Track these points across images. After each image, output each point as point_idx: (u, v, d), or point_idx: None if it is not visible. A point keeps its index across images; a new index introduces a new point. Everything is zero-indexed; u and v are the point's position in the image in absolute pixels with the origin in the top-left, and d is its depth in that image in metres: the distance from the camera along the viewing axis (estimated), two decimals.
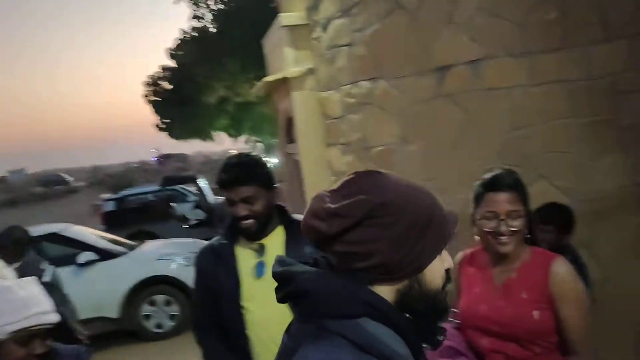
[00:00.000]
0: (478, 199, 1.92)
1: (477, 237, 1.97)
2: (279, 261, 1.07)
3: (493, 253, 1.94)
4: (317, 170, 4.52)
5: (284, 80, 4.60)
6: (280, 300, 1.04)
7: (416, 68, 3.74)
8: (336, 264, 1.00)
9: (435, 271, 1.02)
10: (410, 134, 3.82)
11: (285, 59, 4.58)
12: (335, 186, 1.03)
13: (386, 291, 0.99)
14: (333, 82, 4.30)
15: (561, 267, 1.89)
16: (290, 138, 5.24)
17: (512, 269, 1.94)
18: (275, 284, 1.96)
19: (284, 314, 2.01)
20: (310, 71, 4.55)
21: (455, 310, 2.04)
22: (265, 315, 2.07)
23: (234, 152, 2.25)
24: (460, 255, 2.11)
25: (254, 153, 2.20)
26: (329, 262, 1.02)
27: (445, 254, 1.03)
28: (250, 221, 2.09)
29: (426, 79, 3.72)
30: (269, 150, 23.03)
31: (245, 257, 2.16)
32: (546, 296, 1.86)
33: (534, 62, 3.50)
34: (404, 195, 0.99)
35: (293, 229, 2.14)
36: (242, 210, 2.07)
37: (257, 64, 10.35)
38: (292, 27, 4.57)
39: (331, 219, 0.97)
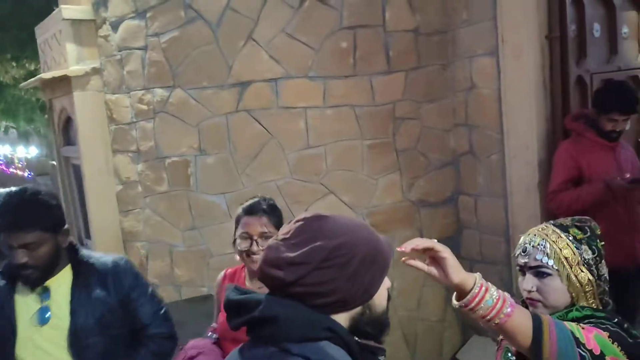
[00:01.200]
0: (237, 222, 2.11)
1: (237, 257, 2.14)
2: (236, 289, 1.14)
3: (248, 270, 2.14)
4: (101, 177, 4.21)
5: (64, 78, 4.17)
6: (236, 326, 1.11)
7: (216, 80, 3.72)
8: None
9: (382, 294, 1.15)
10: (208, 146, 3.79)
11: (66, 54, 4.16)
12: (286, 234, 1.12)
13: (341, 319, 1.11)
14: (123, 85, 4.05)
15: None
16: (67, 140, 4.77)
17: None
18: (59, 331, 1.89)
19: None
20: (95, 71, 4.21)
21: (214, 325, 2.18)
22: None
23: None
24: (221, 273, 2.28)
25: (37, 189, 1.93)
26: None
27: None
28: (29, 271, 1.88)
29: (226, 92, 3.73)
30: (25, 137, 20.51)
31: (25, 300, 1.95)
32: None
33: (327, 85, 3.76)
34: (353, 235, 1.11)
35: (82, 270, 2.01)
36: (22, 257, 1.84)
37: (16, 44, 9.15)
38: (75, 21, 4.16)
39: (289, 267, 1.07)
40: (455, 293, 1.35)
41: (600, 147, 3.05)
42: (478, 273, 1.34)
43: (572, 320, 1.49)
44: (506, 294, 1.35)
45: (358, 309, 1.12)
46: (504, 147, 3.63)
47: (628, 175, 2.95)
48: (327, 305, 1.08)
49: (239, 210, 2.14)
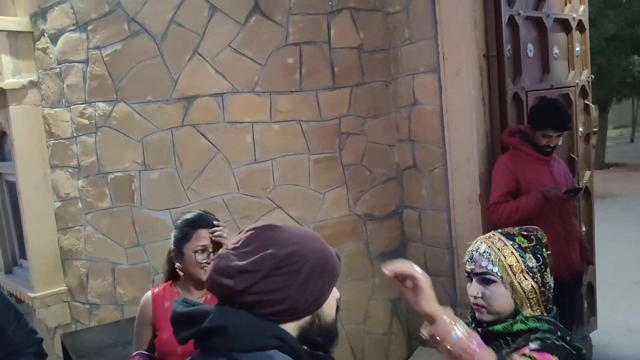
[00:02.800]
0: (185, 236, 2.14)
1: (179, 270, 2.18)
2: (184, 302, 1.13)
3: (195, 283, 2.16)
4: (39, 193, 4.04)
5: None
6: (184, 339, 1.09)
7: (161, 95, 3.67)
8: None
9: (331, 304, 1.16)
10: (152, 161, 3.72)
11: (1, 67, 4.00)
12: (236, 243, 1.13)
13: (290, 328, 1.11)
14: (62, 99, 3.92)
15: None
16: (1, 155, 4.57)
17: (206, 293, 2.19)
18: None
19: None
20: (33, 84, 4.06)
21: (142, 351, 2.16)
22: None
23: None
24: (148, 294, 2.27)
25: None
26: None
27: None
28: None
29: (171, 107, 3.68)
30: None
31: None
32: None
33: (274, 100, 3.78)
34: (304, 244, 1.12)
35: None
36: None
37: None
38: (11, 33, 4.02)
39: (240, 275, 1.07)
40: (424, 323, 1.42)
41: (536, 161, 3.20)
42: (449, 307, 1.40)
43: (518, 332, 1.55)
44: (475, 334, 1.39)
45: (307, 318, 1.12)
46: (446, 161, 3.75)
47: (563, 188, 3.10)
48: (276, 314, 1.09)
49: (183, 223, 2.18)
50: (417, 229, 4.04)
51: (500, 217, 3.14)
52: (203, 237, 2.11)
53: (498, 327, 1.58)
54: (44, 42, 4.02)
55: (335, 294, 1.19)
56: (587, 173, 4.30)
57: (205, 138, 3.72)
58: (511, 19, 3.62)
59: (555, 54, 4.01)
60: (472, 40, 3.54)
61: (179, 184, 3.73)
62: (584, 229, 4.13)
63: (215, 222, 2.17)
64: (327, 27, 3.88)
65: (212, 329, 1.06)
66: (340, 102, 3.95)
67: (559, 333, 1.54)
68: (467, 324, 1.61)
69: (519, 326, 1.55)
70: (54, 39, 3.94)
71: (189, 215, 2.21)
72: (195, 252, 2.11)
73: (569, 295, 3.21)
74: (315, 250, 1.13)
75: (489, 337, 1.55)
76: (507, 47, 3.62)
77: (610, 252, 6.66)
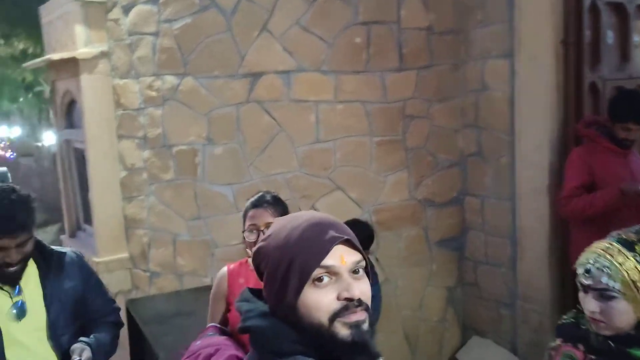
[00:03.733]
0: (245, 216, 2.16)
1: (248, 250, 2.17)
2: (248, 290, 1.12)
3: None
4: (106, 162, 4.13)
5: (71, 60, 4.10)
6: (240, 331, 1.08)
7: (228, 70, 3.69)
8: None
9: (311, 305, 0.99)
10: (216, 136, 3.75)
11: (74, 36, 4.09)
12: None
13: None
14: (132, 70, 3.99)
15: None
16: (70, 123, 4.70)
17: None
18: (36, 324, 2.00)
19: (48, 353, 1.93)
20: (104, 54, 4.14)
21: (214, 324, 2.18)
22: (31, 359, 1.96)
23: None
24: (224, 269, 2.29)
25: (14, 187, 1.98)
26: None
27: (344, 282, 1.00)
28: (16, 268, 1.94)
29: (237, 83, 3.70)
30: (6, 116, 20.24)
31: None
32: None
33: (339, 80, 3.74)
34: (273, 240, 1.05)
35: (48, 262, 2.06)
36: (16, 256, 1.91)
37: (7, 22, 8.96)
38: (85, 3, 4.09)
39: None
40: None
41: (613, 154, 3.06)
42: None
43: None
44: None
45: (290, 318, 1.02)
46: (514, 149, 3.63)
47: None
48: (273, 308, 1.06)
49: (247, 204, 2.19)
50: (479, 217, 3.95)
51: (573, 211, 3.02)
52: (253, 216, 2.11)
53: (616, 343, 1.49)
54: (116, 13, 4.08)
55: (344, 292, 0.99)
56: None
57: (270, 115, 3.72)
58: (593, 4, 3.45)
59: (636, 41, 3.81)
60: (550, 25, 3.39)
61: (241, 160, 3.75)
62: None
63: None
64: (397, 6, 3.80)
65: (243, 329, 1.05)
66: (406, 84, 3.87)
67: None
68: (587, 332, 1.55)
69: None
70: (126, 11, 3.99)
71: (253, 197, 2.21)
72: (246, 231, 2.13)
73: None
74: (281, 248, 1.03)
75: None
76: (586, 34, 3.45)
77: None
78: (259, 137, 3.74)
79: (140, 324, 3.05)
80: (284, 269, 1.00)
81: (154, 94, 3.88)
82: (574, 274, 3.49)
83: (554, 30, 3.40)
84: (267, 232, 1.09)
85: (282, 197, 2.27)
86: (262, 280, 1.07)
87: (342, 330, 0.98)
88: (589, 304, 1.50)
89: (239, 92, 3.71)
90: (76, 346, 1.96)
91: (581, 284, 1.53)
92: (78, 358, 1.90)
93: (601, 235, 2.99)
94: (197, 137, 3.79)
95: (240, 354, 2.00)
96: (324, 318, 0.98)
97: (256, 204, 2.13)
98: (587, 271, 1.51)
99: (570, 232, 3.21)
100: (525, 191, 3.59)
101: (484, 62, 3.80)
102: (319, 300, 0.99)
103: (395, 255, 3.94)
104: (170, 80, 3.81)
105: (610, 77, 3.58)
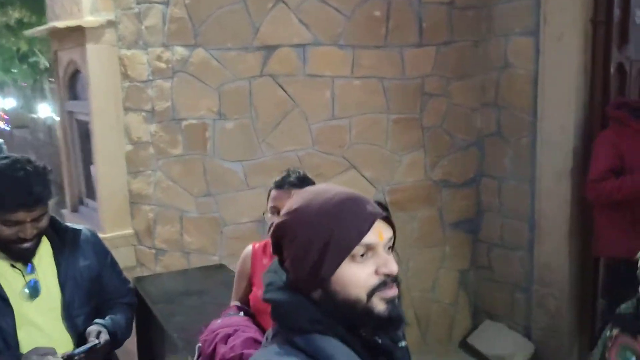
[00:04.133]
0: (268, 195, 2.05)
1: None
2: (271, 264, 1.08)
3: None
4: (111, 135, 3.99)
5: (76, 29, 3.94)
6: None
7: (241, 42, 3.54)
8: None
9: (349, 280, 0.97)
10: (228, 110, 3.62)
11: (80, 4, 3.92)
12: None
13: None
14: (140, 41, 3.83)
15: None
16: (73, 94, 4.55)
17: None
18: (51, 303, 1.91)
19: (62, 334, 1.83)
20: (110, 23, 3.98)
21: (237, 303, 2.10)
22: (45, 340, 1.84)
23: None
24: (249, 248, 2.19)
25: (29, 158, 1.86)
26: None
27: (380, 258, 0.99)
28: (30, 244, 1.83)
29: (251, 56, 3.56)
30: (1, 88, 19.94)
31: (5, 277, 1.85)
32: None
33: (357, 54, 3.61)
34: (302, 214, 1.00)
35: (62, 240, 1.96)
36: (31, 231, 1.80)
37: None
38: None
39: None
40: None
41: None
42: None
43: None
44: None
45: (319, 295, 0.99)
46: (536, 130, 3.53)
47: None
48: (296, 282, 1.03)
49: (272, 183, 2.09)
50: (496, 200, 3.85)
51: (601, 195, 2.93)
52: (275, 197, 2.00)
53: None
54: None
55: (382, 267, 0.98)
56: None
57: (284, 90, 3.59)
58: None
59: None
60: (578, 2, 3.26)
61: (253, 136, 3.63)
62: None
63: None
64: None
65: (265, 301, 1.04)
66: (425, 60, 3.74)
67: None
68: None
69: None
70: None
71: (278, 176, 2.09)
72: (270, 212, 2.01)
73: None
74: (314, 224, 0.99)
75: None
76: (616, 12, 3.33)
77: None
78: (271, 112, 3.61)
79: (149, 303, 2.95)
80: (321, 243, 0.97)
81: (163, 65, 3.74)
82: (597, 260, 3.40)
83: (583, 7, 3.28)
84: (290, 205, 1.04)
85: None
86: (277, 254, 1.05)
87: (379, 306, 0.97)
88: None
89: (252, 65, 3.57)
90: (92, 328, 1.86)
91: None
92: (96, 341, 1.80)
93: (628, 220, 2.92)
94: (208, 111, 3.66)
95: (259, 336, 1.93)
96: (362, 293, 0.97)
97: (280, 185, 2.02)
98: None
99: (594, 218, 3.12)
100: (546, 174, 3.49)
101: (506, 40, 3.67)
102: (358, 275, 0.97)
103: (408, 236, 3.85)
104: (181, 51, 3.66)
105: (638, 58, 3.46)
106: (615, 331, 1.54)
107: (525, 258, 3.68)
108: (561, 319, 3.48)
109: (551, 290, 3.51)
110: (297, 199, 1.05)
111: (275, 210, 1.97)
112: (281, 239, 1.03)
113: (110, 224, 4.09)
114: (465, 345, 3.96)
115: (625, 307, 1.60)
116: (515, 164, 3.70)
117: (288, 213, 1.03)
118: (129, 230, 4.12)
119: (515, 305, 3.80)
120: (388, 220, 1.04)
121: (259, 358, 1.01)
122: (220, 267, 3.51)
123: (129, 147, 4.06)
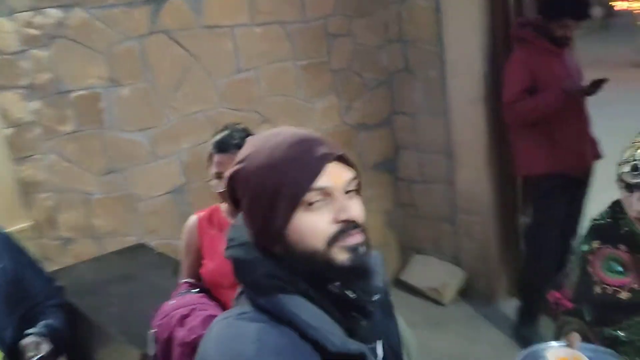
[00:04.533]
0: (209, 159, 1.87)
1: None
2: (236, 219, 1.00)
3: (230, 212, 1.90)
4: None
5: None
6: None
7: None
8: None
9: (304, 231, 0.89)
10: (121, 76, 3.27)
11: None
12: None
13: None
14: (3, 6, 3.33)
15: None
16: None
17: None
18: None
19: None
20: None
21: (189, 280, 1.94)
22: None
23: None
24: (193, 219, 2.00)
25: None
26: None
27: (338, 203, 0.91)
28: None
29: (137, 11, 3.21)
30: None
31: None
32: None
33: (254, 0, 3.37)
34: (252, 162, 0.93)
35: None
36: None
37: None
38: None
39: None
40: None
41: (552, 55, 3.02)
42: None
43: None
44: None
45: (279, 249, 0.92)
46: (444, 61, 3.51)
47: (582, 82, 2.96)
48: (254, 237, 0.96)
49: (210, 145, 1.89)
50: (411, 136, 3.84)
51: (518, 116, 2.97)
52: (218, 162, 1.82)
53: None
54: None
55: (341, 212, 0.90)
56: None
57: (180, 46, 3.29)
58: None
59: None
60: None
61: (154, 101, 3.32)
62: None
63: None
64: None
65: (227, 257, 0.97)
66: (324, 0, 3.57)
67: None
68: (631, 233, 1.43)
69: None
70: None
71: (218, 135, 1.88)
72: (215, 178, 1.83)
73: (580, 193, 3.15)
74: (261, 168, 0.91)
75: None
76: None
77: None
78: (170, 72, 3.31)
79: (71, 299, 2.64)
80: (270, 193, 0.89)
81: (35, 32, 3.28)
82: (514, 180, 3.48)
83: None
84: (242, 154, 0.96)
85: (206, 137, 1.96)
86: (236, 208, 0.98)
87: (340, 255, 0.89)
88: (637, 204, 1.39)
89: (140, 22, 3.22)
90: (27, 341, 1.59)
91: (626, 184, 1.41)
92: (38, 356, 1.53)
93: (546, 138, 3.00)
94: (98, 79, 3.28)
95: (218, 312, 1.76)
96: (319, 244, 0.89)
97: (223, 148, 1.82)
98: (635, 168, 1.37)
99: (512, 140, 3.18)
100: (458, 104, 3.51)
101: None
102: (314, 224, 0.89)
103: None
104: (54, 14, 3.22)
105: None
106: (595, 244, 1.52)
107: (448, 190, 3.73)
108: (488, 243, 3.59)
109: (475, 217, 3.59)
110: (248, 145, 0.97)
111: (220, 176, 1.79)
112: (235, 191, 0.96)
113: (2, 220, 3.65)
114: (399, 283, 4.00)
115: (600, 217, 1.59)
116: (426, 98, 3.69)
117: (240, 161, 0.95)
118: (25, 224, 3.70)
119: (443, 237, 3.87)
120: (347, 161, 0.95)
121: (221, 322, 0.92)
122: (141, 247, 3.24)
123: (10, 131, 3.58)
